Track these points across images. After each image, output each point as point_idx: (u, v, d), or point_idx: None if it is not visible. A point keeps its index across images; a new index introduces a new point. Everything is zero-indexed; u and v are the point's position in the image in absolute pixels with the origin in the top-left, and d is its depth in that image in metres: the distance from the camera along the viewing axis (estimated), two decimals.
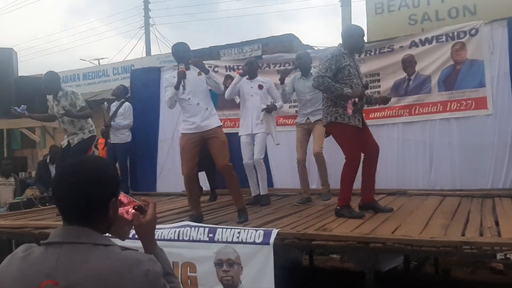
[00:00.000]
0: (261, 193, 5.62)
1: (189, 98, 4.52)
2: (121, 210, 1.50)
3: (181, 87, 4.43)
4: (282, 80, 5.40)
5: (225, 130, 6.73)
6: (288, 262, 5.51)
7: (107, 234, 1.43)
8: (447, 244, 3.13)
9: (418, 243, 3.22)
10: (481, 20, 5.82)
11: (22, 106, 5.70)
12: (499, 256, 2.98)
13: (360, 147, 4.43)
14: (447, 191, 5.59)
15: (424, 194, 5.60)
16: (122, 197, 1.51)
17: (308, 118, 5.45)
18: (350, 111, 4.27)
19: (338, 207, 4.41)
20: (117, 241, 1.43)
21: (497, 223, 3.74)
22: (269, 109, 5.51)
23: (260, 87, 5.60)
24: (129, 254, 1.34)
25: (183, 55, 4.53)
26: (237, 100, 5.89)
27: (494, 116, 5.62)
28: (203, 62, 7.43)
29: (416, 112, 6.10)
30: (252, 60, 5.91)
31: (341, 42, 4.50)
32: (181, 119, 7.18)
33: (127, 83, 9.11)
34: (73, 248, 1.32)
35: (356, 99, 4.28)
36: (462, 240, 3.15)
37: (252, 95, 5.59)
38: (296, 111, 6.49)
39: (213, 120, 4.59)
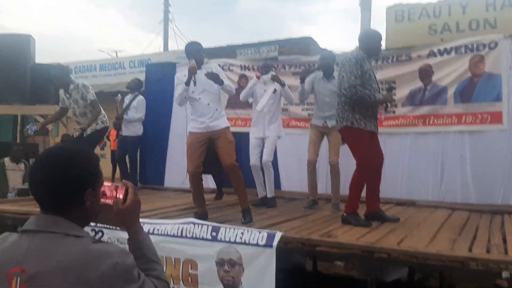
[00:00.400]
0: (268, 196, 5.58)
1: (199, 98, 4.53)
2: (110, 199, 1.50)
3: (192, 84, 4.42)
4: (302, 80, 5.36)
5: (236, 129, 6.78)
6: (291, 266, 5.48)
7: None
8: (453, 259, 3.08)
9: (423, 256, 3.16)
10: (501, 34, 5.74)
11: (31, 125, 5.77)
12: (505, 274, 2.92)
13: (373, 153, 4.37)
14: (457, 205, 5.51)
15: (433, 206, 5.53)
16: (106, 185, 1.50)
17: (325, 122, 5.37)
18: (381, 116, 4.28)
19: (345, 214, 4.35)
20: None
21: (504, 241, 3.67)
22: (276, 79, 5.45)
23: (274, 90, 5.56)
24: (99, 247, 1.32)
25: (195, 55, 4.52)
26: (250, 100, 5.86)
27: (509, 132, 5.54)
28: (219, 60, 7.50)
29: (431, 122, 6.03)
30: (267, 64, 5.89)
31: (357, 46, 4.45)
32: (189, 114, 7.25)
33: (143, 76, 9.14)
34: (44, 237, 1.31)
35: (389, 104, 4.32)
36: (469, 256, 3.09)
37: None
38: (309, 114, 6.47)
39: (221, 121, 4.60)
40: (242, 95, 5.63)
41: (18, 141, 12.02)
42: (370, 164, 4.30)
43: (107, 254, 1.30)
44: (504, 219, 4.67)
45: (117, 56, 17.83)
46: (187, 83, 4.43)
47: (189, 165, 4.58)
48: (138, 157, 7.47)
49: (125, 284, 1.29)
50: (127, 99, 7.32)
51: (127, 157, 7.28)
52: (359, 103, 4.21)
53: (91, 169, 1.41)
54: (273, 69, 6.17)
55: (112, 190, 1.52)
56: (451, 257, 3.10)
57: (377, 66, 6.10)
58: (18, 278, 1.26)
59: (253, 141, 5.61)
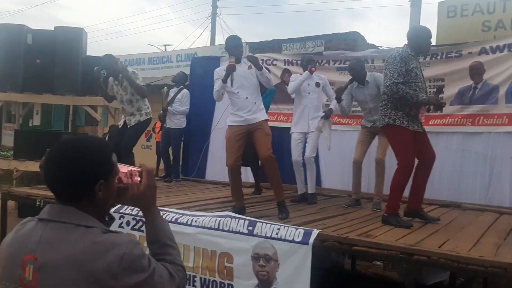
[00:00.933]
0: (309, 191, 5.51)
1: (238, 92, 4.56)
2: (127, 180, 1.52)
3: (229, 81, 4.47)
4: (339, 99, 5.31)
5: (277, 124, 6.74)
6: (329, 264, 5.43)
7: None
8: (496, 265, 2.94)
9: (465, 260, 3.04)
10: None
11: (102, 72, 5.93)
12: None
13: (414, 153, 4.24)
14: (505, 209, 5.26)
15: (480, 209, 5.32)
16: (122, 172, 1.51)
17: (374, 123, 5.24)
18: (422, 118, 4.16)
19: (385, 214, 4.25)
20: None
21: None
22: (327, 116, 5.46)
23: (317, 84, 5.50)
24: (107, 237, 1.34)
25: (233, 50, 4.56)
26: (293, 95, 5.81)
27: None
28: (263, 54, 7.49)
29: (480, 123, 5.78)
30: (308, 57, 5.81)
31: (406, 43, 4.32)
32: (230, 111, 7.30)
33: (189, 70, 9.28)
34: (56, 226, 1.34)
35: (432, 106, 4.17)
36: None
37: (309, 93, 5.49)
38: (352, 111, 6.35)
39: (260, 114, 4.61)
40: (291, 89, 5.54)
41: (69, 130, 12.53)
42: (410, 164, 4.18)
43: (115, 244, 1.32)
44: None
45: (165, 50, 18.20)
46: (224, 81, 4.48)
47: (227, 159, 4.62)
48: (181, 150, 7.59)
49: (133, 274, 1.31)
50: (172, 92, 7.45)
51: (170, 149, 7.43)
52: (400, 102, 4.10)
53: (102, 160, 1.42)
54: (317, 64, 6.10)
55: (128, 177, 1.54)
56: (494, 262, 2.97)
57: (425, 62, 5.91)
58: (31, 266, 1.30)
59: (295, 136, 5.54)
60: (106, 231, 1.37)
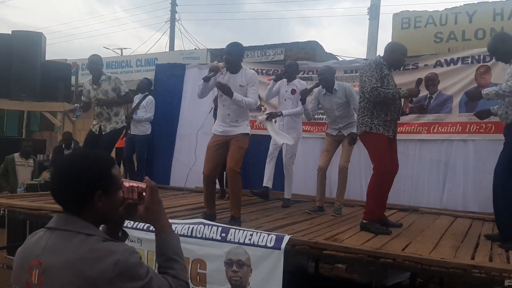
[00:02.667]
0: (285, 196, 5.79)
1: (223, 105, 4.62)
2: (128, 195, 1.61)
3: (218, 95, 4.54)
4: (303, 101, 5.49)
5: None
6: (295, 268, 5.57)
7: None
8: (456, 266, 3.17)
9: (428, 262, 3.25)
10: None
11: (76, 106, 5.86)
12: (507, 282, 3.01)
13: (390, 160, 4.40)
14: (459, 212, 5.60)
15: (436, 213, 5.63)
16: (125, 184, 1.61)
17: (339, 131, 5.46)
18: (407, 110, 4.40)
19: (364, 221, 4.35)
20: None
21: (507, 249, 3.76)
22: (270, 116, 5.57)
23: (293, 91, 5.67)
24: (104, 245, 1.43)
25: (224, 57, 4.62)
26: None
27: None
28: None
29: (435, 130, 6.13)
30: (291, 63, 5.97)
31: (380, 55, 4.52)
32: (199, 116, 7.37)
33: (149, 75, 9.26)
34: (59, 234, 1.45)
35: (412, 99, 4.43)
36: (472, 263, 3.18)
37: (285, 99, 5.69)
38: (315, 118, 6.57)
39: (241, 128, 4.61)
40: (264, 96, 5.83)
41: (24, 135, 12.17)
42: (387, 170, 4.33)
43: (111, 252, 1.41)
44: None
45: (122, 53, 17.98)
46: (204, 79, 4.48)
47: (204, 167, 4.64)
48: (145, 156, 7.56)
49: (128, 281, 1.38)
50: (136, 99, 7.41)
51: (134, 156, 7.40)
52: (383, 104, 4.27)
53: (99, 172, 1.51)
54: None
55: (129, 192, 1.62)
56: (454, 264, 3.19)
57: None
58: (37, 270, 1.41)
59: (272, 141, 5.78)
60: (105, 240, 1.47)
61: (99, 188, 1.50)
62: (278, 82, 5.69)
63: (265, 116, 5.56)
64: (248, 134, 4.68)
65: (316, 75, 6.21)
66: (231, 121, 4.59)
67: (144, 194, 1.62)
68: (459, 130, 5.94)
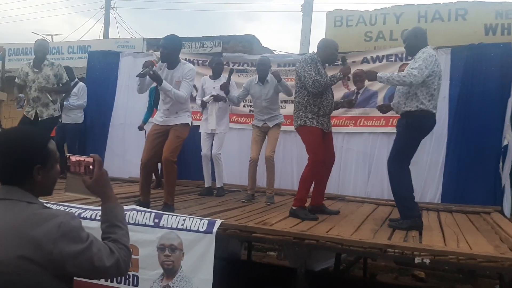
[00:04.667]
0: (217, 185, 5.93)
1: (163, 99, 4.65)
2: (75, 168, 1.75)
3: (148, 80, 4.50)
4: (226, 92, 5.66)
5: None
6: (228, 254, 5.74)
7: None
8: (373, 246, 3.45)
9: (347, 242, 3.52)
10: (428, 46, 6.25)
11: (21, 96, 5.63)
12: (417, 260, 3.32)
13: (323, 150, 4.67)
14: (381, 200, 5.99)
15: (360, 201, 6.00)
16: (72, 161, 1.75)
17: (265, 123, 5.67)
18: (348, 86, 4.80)
19: (293, 207, 4.56)
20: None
21: (420, 233, 4.11)
22: (216, 99, 5.72)
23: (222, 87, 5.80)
24: (46, 211, 1.55)
25: (166, 54, 4.51)
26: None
27: (431, 136, 6.05)
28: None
29: (361, 124, 6.49)
30: (218, 60, 6.12)
31: (314, 51, 4.77)
32: (134, 105, 7.33)
33: (82, 63, 9.03)
34: (2, 202, 1.54)
35: (349, 76, 4.71)
36: (387, 243, 3.48)
37: (216, 94, 5.78)
38: (250, 111, 6.76)
39: (180, 119, 4.63)
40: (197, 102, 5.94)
41: None
42: (320, 160, 4.58)
43: (53, 215, 1.52)
44: (423, 215, 5.16)
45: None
46: (139, 75, 4.42)
47: (142, 155, 4.66)
48: (77, 145, 7.39)
49: (70, 242, 1.49)
50: None
51: (65, 145, 7.20)
52: (321, 93, 4.55)
53: (36, 147, 1.60)
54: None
55: (75, 166, 1.75)
56: (372, 244, 3.47)
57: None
58: None
59: (203, 135, 5.93)
60: (46, 207, 1.58)
61: (38, 163, 1.58)
62: (201, 80, 5.90)
63: (211, 98, 5.71)
64: (188, 124, 4.70)
65: (251, 67, 6.43)
66: (170, 113, 4.62)
67: (91, 167, 1.72)
68: (383, 124, 6.33)
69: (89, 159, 1.75)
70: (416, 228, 4.18)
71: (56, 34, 18.63)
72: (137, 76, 4.48)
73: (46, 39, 5.77)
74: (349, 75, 4.74)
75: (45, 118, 5.55)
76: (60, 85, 5.79)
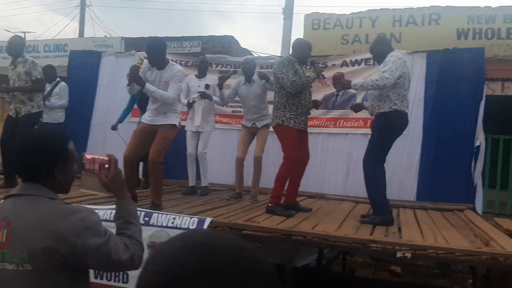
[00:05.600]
0: (202, 184, 6.03)
1: (151, 100, 4.72)
2: (89, 166, 1.84)
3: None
4: (220, 86, 5.77)
5: None
6: None
7: None
8: (357, 241, 3.63)
9: (333, 238, 3.69)
10: (404, 50, 6.51)
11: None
12: (399, 254, 3.52)
13: (299, 149, 4.85)
14: (360, 198, 6.18)
15: (340, 199, 6.20)
16: (86, 159, 1.85)
17: (254, 123, 5.79)
18: (326, 83, 5.03)
19: (270, 204, 4.74)
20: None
21: (399, 229, 4.32)
22: (203, 96, 5.83)
23: (207, 86, 5.91)
24: (68, 206, 1.69)
25: (153, 55, 4.56)
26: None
27: (406, 137, 6.30)
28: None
29: (340, 125, 6.71)
30: (203, 59, 6.22)
31: (291, 52, 4.98)
32: (112, 105, 7.34)
33: (58, 61, 8.98)
34: (25, 198, 1.66)
35: (322, 75, 4.91)
36: (370, 238, 3.67)
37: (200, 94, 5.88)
38: (233, 111, 6.90)
39: (168, 119, 4.70)
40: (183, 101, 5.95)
41: None
42: (295, 158, 4.77)
43: (76, 210, 1.65)
44: (400, 212, 5.41)
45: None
46: (128, 83, 4.47)
47: (126, 150, 4.70)
48: None
49: (92, 236, 1.61)
50: (47, 86, 7.17)
51: None
52: (300, 94, 4.74)
53: (58, 148, 1.73)
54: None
55: (90, 164, 1.86)
56: (355, 239, 3.65)
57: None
58: (5, 230, 1.59)
59: (188, 134, 6.02)
60: (67, 203, 1.72)
61: (58, 162, 1.70)
62: (186, 79, 5.91)
63: (198, 95, 5.83)
64: (175, 125, 4.75)
65: (234, 68, 6.58)
66: (158, 113, 4.69)
67: (106, 166, 1.82)
68: (361, 125, 6.55)
69: (103, 157, 1.85)
70: (387, 223, 4.43)
71: (28, 32, 18.29)
72: (127, 85, 4.55)
73: (20, 37, 5.73)
74: (323, 73, 4.96)
75: (23, 114, 5.54)
76: (34, 78, 5.65)
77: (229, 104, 6.87)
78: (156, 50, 4.56)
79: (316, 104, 5.42)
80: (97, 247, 1.60)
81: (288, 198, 5.03)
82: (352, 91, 6.60)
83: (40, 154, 1.67)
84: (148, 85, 4.46)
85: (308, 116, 6.60)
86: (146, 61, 4.68)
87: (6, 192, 5.11)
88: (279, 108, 4.81)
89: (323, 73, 4.98)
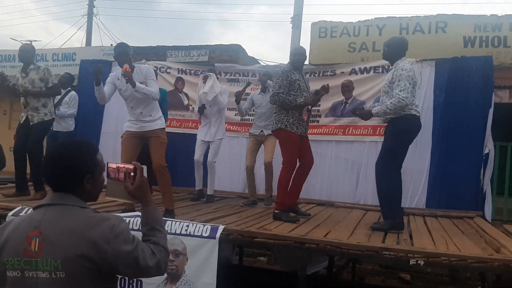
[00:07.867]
0: (208, 193, 6.06)
1: (132, 107, 4.70)
2: (114, 174, 1.90)
3: (122, 85, 4.61)
4: (238, 102, 5.91)
5: (170, 130, 7.06)
6: (220, 259, 5.88)
7: None
8: (370, 249, 3.65)
9: (346, 246, 3.71)
10: (413, 58, 6.54)
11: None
12: (412, 261, 3.53)
13: (298, 154, 4.90)
14: (369, 206, 6.22)
15: (350, 207, 6.22)
16: (111, 168, 1.90)
17: (262, 131, 5.94)
18: (305, 117, 4.85)
19: (276, 211, 4.82)
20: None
21: (411, 237, 4.33)
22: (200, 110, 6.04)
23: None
24: (98, 214, 1.73)
25: (116, 59, 4.64)
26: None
27: (415, 144, 6.31)
28: (157, 62, 7.71)
29: (349, 132, 6.74)
30: (210, 68, 6.38)
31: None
32: (122, 114, 7.39)
33: (67, 70, 9.06)
34: (56, 207, 1.70)
35: (310, 107, 4.88)
36: (383, 246, 3.68)
37: (210, 106, 5.98)
38: (242, 119, 6.96)
39: (156, 123, 4.74)
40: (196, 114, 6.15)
41: None
42: (294, 164, 4.85)
43: (106, 218, 1.69)
44: (410, 220, 5.42)
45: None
46: (96, 83, 4.45)
47: (121, 158, 4.69)
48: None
49: (122, 242, 1.65)
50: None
51: None
52: (283, 108, 4.81)
53: (87, 159, 1.78)
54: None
55: (115, 172, 1.91)
56: (368, 247, 3.67)
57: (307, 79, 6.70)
58: (37, 239, 1.62)
59: (199, 142, 6.09)
60: (96, 212, 1.75)
61: (88, 173, 1.75)
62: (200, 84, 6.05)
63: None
64: (163, 128, 4.85)
65: (242, 77, 6.75)
66: (144, 117, 4.68)
67: (132, 174, 1.87)
68: (371, 132, 6.58)
69: (128, 165, 1.90)
70: (396, 228, 4.46)
71: (35, 40, 18.47)
72: (95, 85, 4.48)
73: (31, 44, 5.79)
74: (310, 107, 4.99)
75: (36, 122, 5.55)
76: (50, 84, 5.70)
77: (237, 112, 6.95)
78: (120, 52, 4.59)
79: (326, 89, 5.08)
80: (127, 254, 1.65)
81: (288, 201, 5.05)
82: (361, 98, 6.67)
83: (70, 166, 1.72)
84: (139, 84, 4.51)
85: (317, 123, 6.71)
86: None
87: (19, 201, 5.20)
88: (281, 113, 4.88)
89: (311, 108, 5.10)
